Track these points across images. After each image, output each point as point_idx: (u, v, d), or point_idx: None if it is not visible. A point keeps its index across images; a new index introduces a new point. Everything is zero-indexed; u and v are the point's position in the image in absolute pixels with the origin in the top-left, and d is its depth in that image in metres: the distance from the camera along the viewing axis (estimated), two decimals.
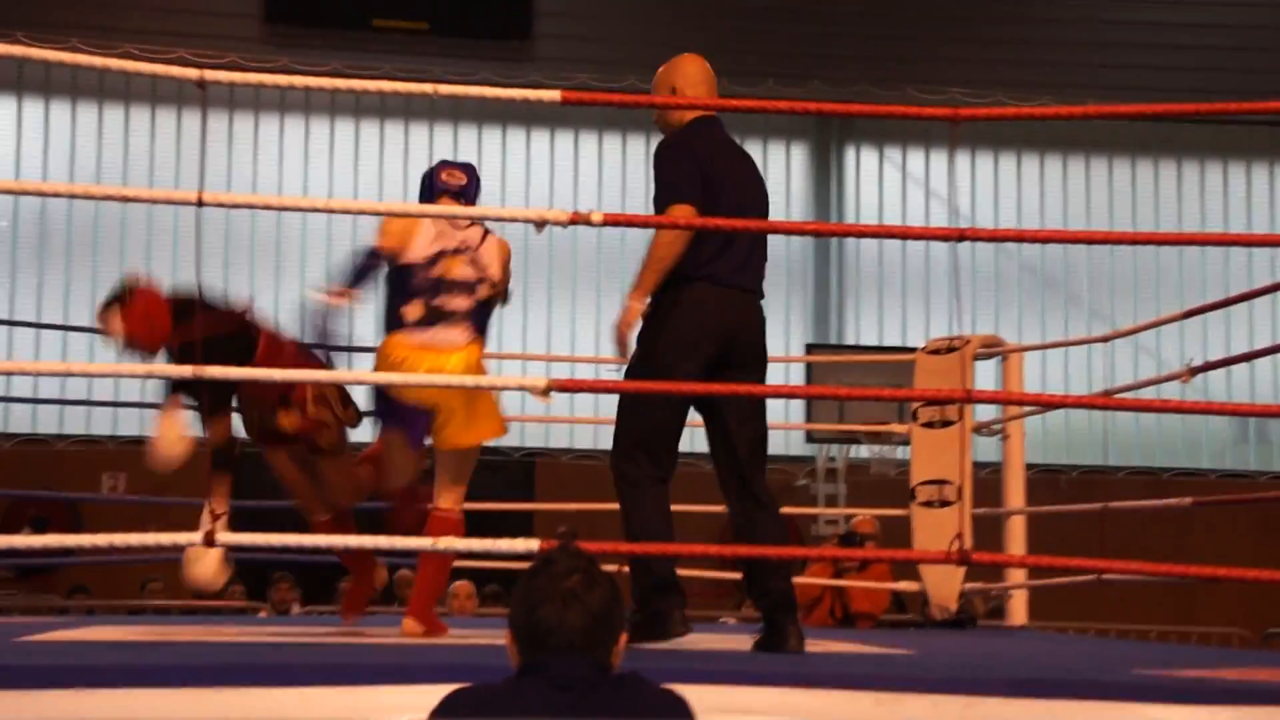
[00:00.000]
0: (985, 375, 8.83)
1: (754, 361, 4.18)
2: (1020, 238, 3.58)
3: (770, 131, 13.37)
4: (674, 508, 7.81)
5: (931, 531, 6.29)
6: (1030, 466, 7.20)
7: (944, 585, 6.48)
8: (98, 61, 3.49)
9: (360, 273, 4.61)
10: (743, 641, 4.21)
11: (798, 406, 11.97)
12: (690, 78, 4.50)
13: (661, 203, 4.10)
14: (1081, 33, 13.44)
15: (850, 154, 13.55)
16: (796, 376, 12.44)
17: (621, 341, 4.03)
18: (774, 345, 14.67)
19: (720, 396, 4.04)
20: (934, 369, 6.56)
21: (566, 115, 12.93)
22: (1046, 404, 3.83)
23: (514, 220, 3.85)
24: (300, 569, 9.17)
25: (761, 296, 4.23)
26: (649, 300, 4.08)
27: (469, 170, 4.80)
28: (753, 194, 4.26)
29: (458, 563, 7.60)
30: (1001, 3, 13.51)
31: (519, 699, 2.24)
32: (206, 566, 4.34)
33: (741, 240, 4.09)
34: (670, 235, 4.01)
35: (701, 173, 4.10)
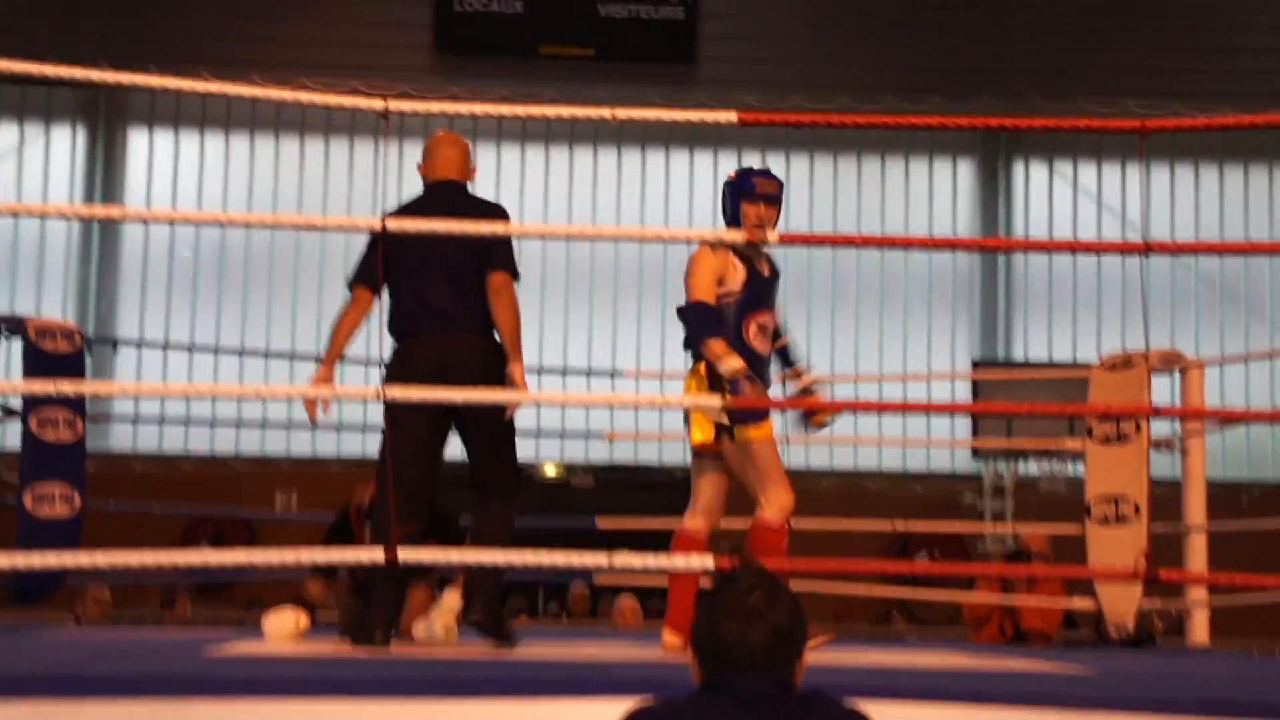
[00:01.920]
0: (1161, 390, 8.62)
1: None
2: (1209, 250, 3.47)
3: (936, 148, 13.22)
4: (842, 524, 7.72)
5: (1108, 548, 6.14)
6: (1210, 483, 6.99)
7: (1120, 603, 6.31)
8: (288, 95, 3.59)
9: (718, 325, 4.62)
10: (920, 659, 4.14)
11: (963, 423, 11.80)
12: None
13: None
14: (1259, 39, 13.06)
15: (1019, 169, 13.33)
16: (962, 393, 12.27)
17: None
18: (940, 361, 14.54)
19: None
20: (1110, 384, 6.42)
21: (730, 137, 12.95)
22: (1231, 418, 3.71)
23: (690, 240, 3.85)
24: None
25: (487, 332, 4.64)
26: None
27: (777, 179, 4.80)
28: (454, 241, 4.60)
29: (626, 580, 7.68)
30: (1173, 11, 13.18)
31: (703, 716, 2.22)
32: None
33: (436, 287, 4.63)
34: (345, 314, 4.74)
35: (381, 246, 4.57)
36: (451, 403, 4.32)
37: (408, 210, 4.64)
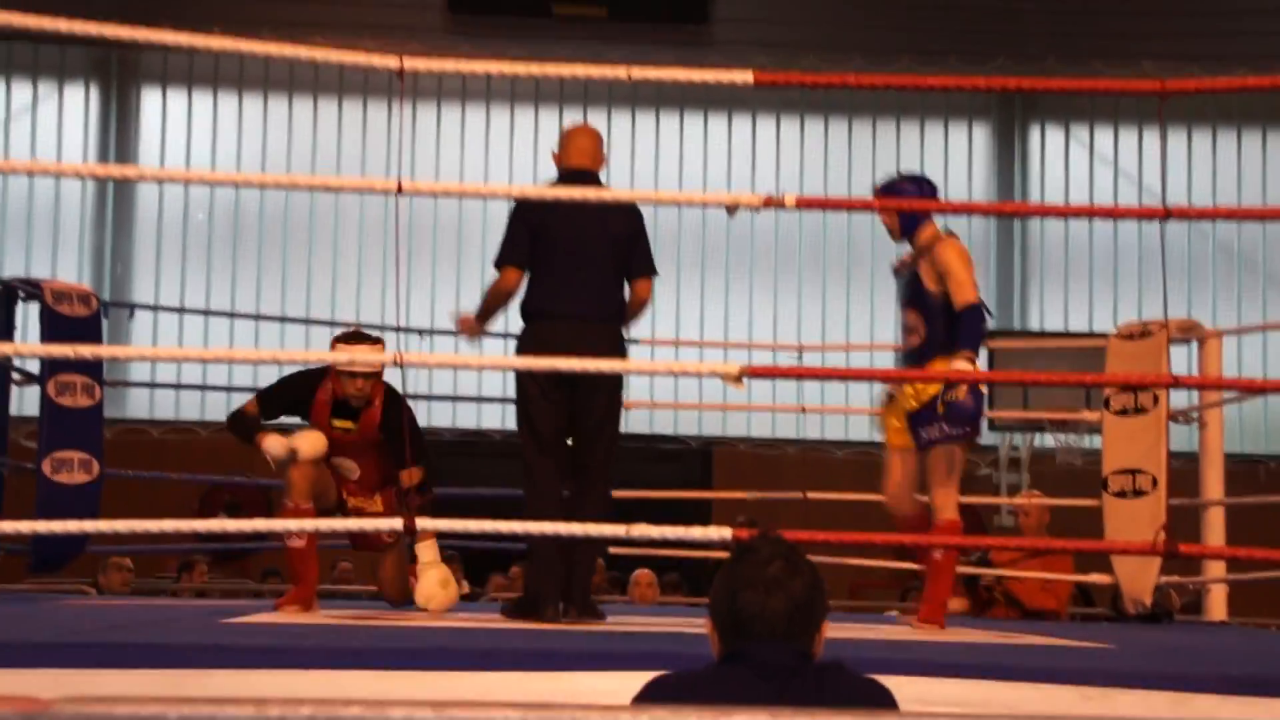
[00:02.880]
0: (1178, 361, 8.58)
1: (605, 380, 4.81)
2: (1232, 215, 3.44)
3: (951, 112, 13.15)
4: (858, 496, 7.77)
5: (1125, 522, 6.12)
6: (1227, 456, 6.96)
7: (1138, 578, 6.30)
8: (303, 53, 3.56)
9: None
10: (938, 633, 4.13)
11: None
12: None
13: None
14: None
15: (1034, 133, 13.25)
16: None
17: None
18: None
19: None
20: (1127, 354, 6.38)
21: (745, 98, 12.88)
22: (1253, 389, 3.68)
23: (707, 204, 3.82)
24: (475, 555, 9.31)
25: (621, 323, 4.95)
26: None
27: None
28: (599, 232, 4.89)
29: (641, 551, 7.67)
30: None
31: (721, 687, 2.22)
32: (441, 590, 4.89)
33: (582, 277, 4.82)
34: (496, 292, 4.90)
35: (529, 229, 4.79)
36: (572, 385, 4.64)
37: (530, 200, 4.78)
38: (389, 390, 5.05)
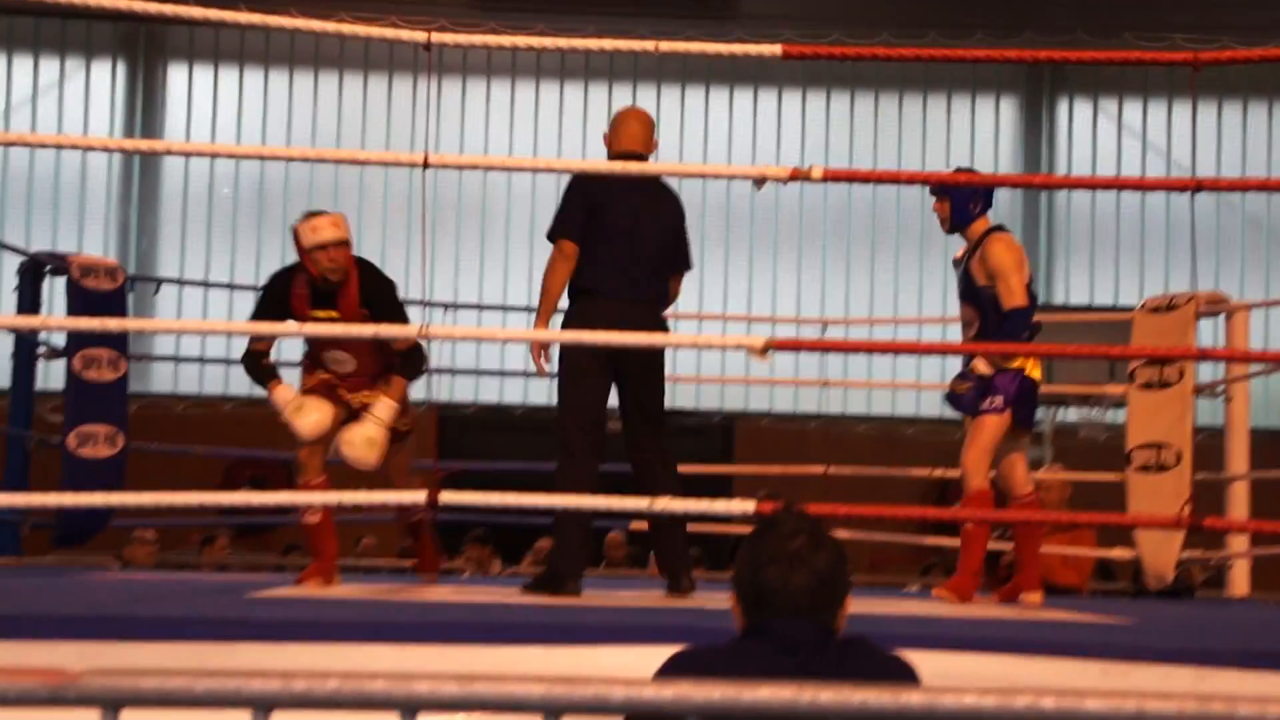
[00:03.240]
0: (1204, 334, 8.54)
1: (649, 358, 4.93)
2: (1263, 187, 3.42)
3: (979, 86, 13.08)
4: (879, 471, 7.79)
5: (1149, 497, 6.09)
6: (1253, 430, 6.93)
7: (1160, 553, 6.28)
8: (331, 28, 3.56)
9: None
10: (960, 609, 4.13)
11: None
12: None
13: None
14: None
15: (1063, 106, 13.17)
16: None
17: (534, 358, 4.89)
18: None
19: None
20: (1153, 328, 6.35)
21: (772, 72, 12.83)
22: None
23: (734, 177, 3.82)
24: (500, 529, 9.33)
25: (662, 305, 4.97)
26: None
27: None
28: (652, 217, 4.96)
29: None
30: None
31: (744, 661, 2.22)
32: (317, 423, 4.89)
33: (635, 259, 4.85)
34: (556, 269, 4.87)
35: (586, 205, 4.81)
36: (621, 365, 4.72)
37: (599, 177, 4.80)
38: (362, 262, 5.09)
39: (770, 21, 12.50)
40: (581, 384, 4.76)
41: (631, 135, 4.95)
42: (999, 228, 5.04)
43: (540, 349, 4.79)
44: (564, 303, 4.98)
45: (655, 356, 4.88)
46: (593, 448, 4.81)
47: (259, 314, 5.16)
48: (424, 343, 5.10)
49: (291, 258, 5.28)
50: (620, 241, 4.78)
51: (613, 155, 4.93)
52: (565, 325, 4.80)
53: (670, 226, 4.93)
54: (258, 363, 5.20)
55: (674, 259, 4.95)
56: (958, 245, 5.17)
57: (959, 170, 5.20)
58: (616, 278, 4.77)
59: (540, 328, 4.82)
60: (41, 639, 2.73)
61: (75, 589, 4.33)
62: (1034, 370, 5.03)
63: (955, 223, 5.00)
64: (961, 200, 4.94)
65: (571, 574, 4.61)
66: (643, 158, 4.94)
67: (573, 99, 13.09)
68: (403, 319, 5.05)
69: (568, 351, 4.79)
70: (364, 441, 4.89)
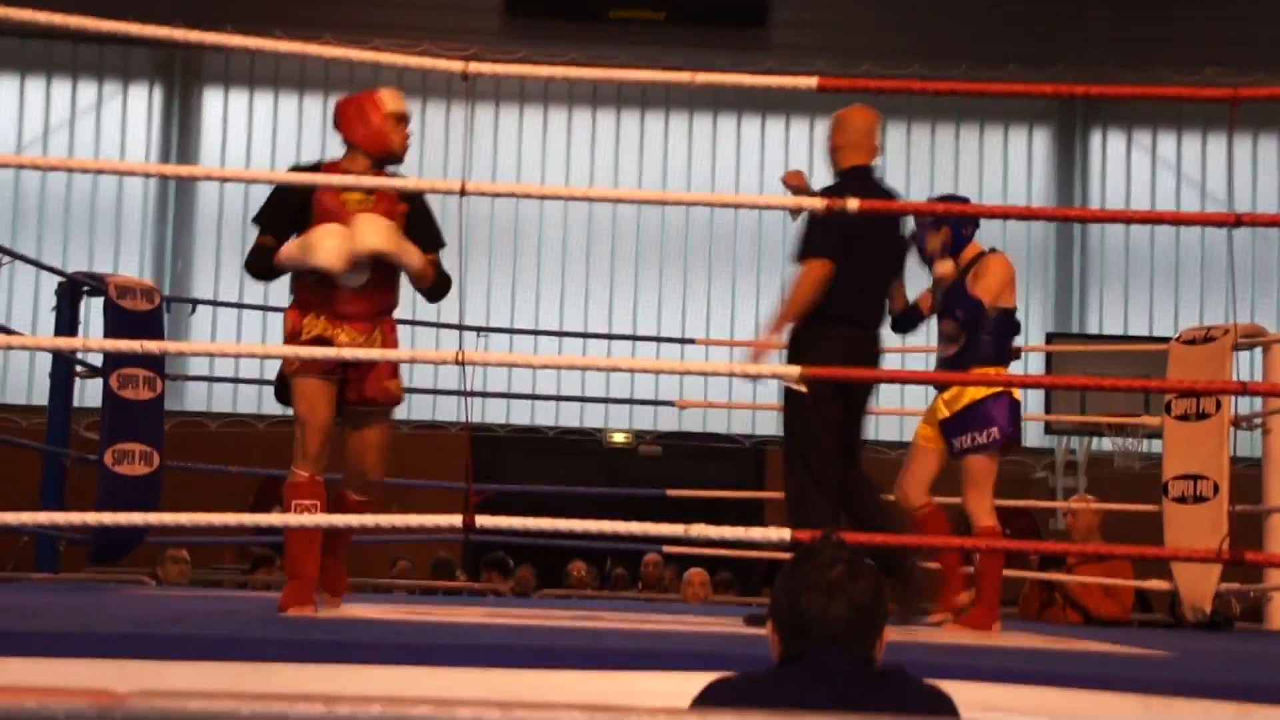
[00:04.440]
0: (1240, 367, 8.50)
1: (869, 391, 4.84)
2: None
3: (1012, 116, 13.06)
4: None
5: (1185, 528, 6.05)
6: None
7: (1198, 585, 6.23)
8: (368, 55, 3.59)
9: None
10: (996, 638, 4.10)
11: (1036, 397, 11.69)
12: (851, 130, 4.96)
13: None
14: None
15: (1096, 138, 13.14)
16: (1036, 366, 12.15)
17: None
18: None
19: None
20: (1190, 359, 6.32)
21: (804, 102, 12.85)
22: None
23: (769, 208, 3.82)
24: (533, 551, 9.34)
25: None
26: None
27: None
28: (894, 236, 4.80)
29: (693, 550, 7.67)
30: None
31: (782, 690, 2.21)
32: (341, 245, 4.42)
33: (874, 286, 4.73)
34: (809, 288, 4.61)
35: (844, 225, 4.50)
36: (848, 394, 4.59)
37: (840, 189, 4.57)
38: None
39: (803, 52, 12.53)
40: (824, 411, 4.61)
41: (867, 148, 4.91)
42: (994, 250, 5.20)
43: (759, 357, 4.64)
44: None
45: (871, 387, 4.83)
46: (835, 485, 4.66)
47: (268, 213, 4.70)
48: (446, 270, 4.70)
49: None
50: (869, 266, 4.66)
51: (844, 170, 4.82)
52: (804, 352, 4.59)
53: (903, 241, 4.86)
54: (258, 252, 4.74)
55: (899, 271, 4.89)
56: None
57: (950, 198, 5.28)
58: (862, 306, 4.68)
59: (772, 337, 4.70)
60: (81, 656, 2.74)
61: (112, 606, 4.34)
62: (1016, 392, 5.13)
63: (956, 247, 5.05)
64: (957, 226, 5.02)
65: (915, 599, 4.57)
66: (872, 169, 4.86)
67: (605, 126, 13.13)
68: (439, 232, 4.76)
69: (816, 384, 4.49)
70: (376, 225, 4.44)
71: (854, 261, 4.59)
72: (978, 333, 5.08)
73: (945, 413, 5.03)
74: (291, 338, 4.73)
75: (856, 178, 4.77)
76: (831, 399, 4.59)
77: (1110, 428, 10.65)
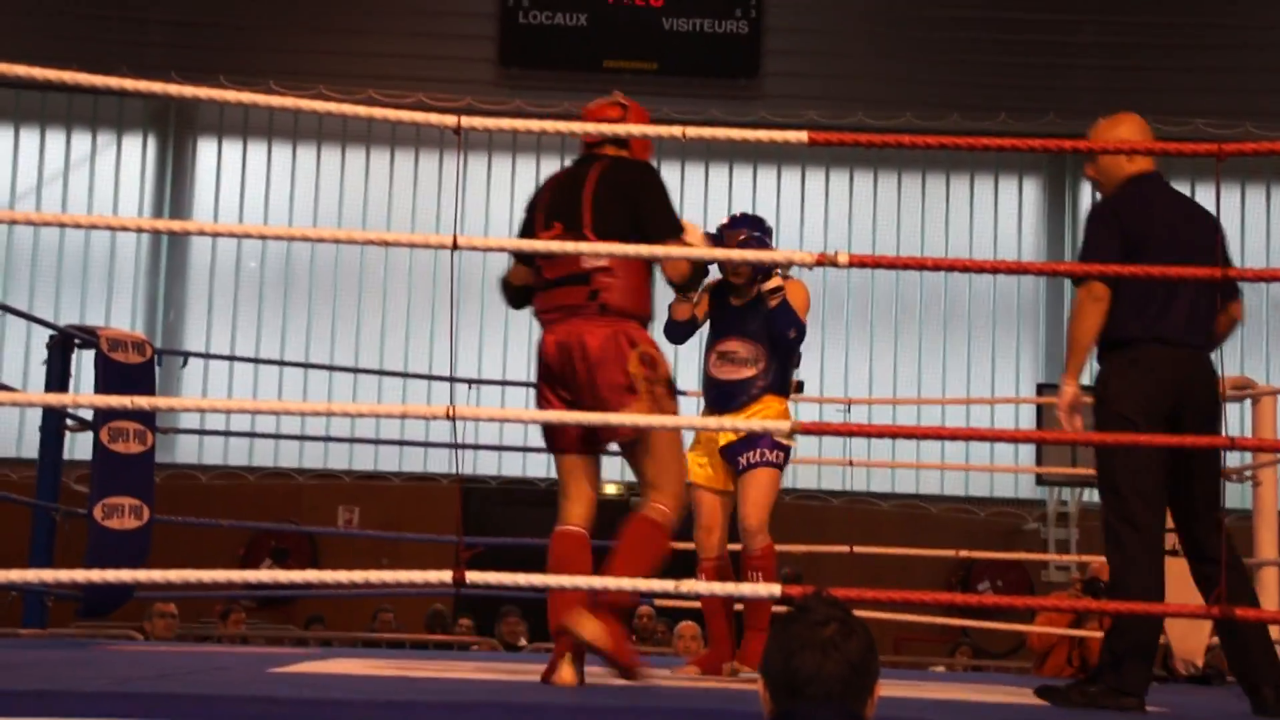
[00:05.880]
0: (1230, 418, 8.50)
1: (1207, 418, 4.10)
2: None
3: (1002, 166, 13.14)
4: (902, 551, 7.65)
5: (1175, 581, 6.02)
6: None
7: (1190, 638, 6.22)
8: (361, 110, 3.60)
9: None
10: (986, 693, 4.07)
11: (1028, 449, 11.70)
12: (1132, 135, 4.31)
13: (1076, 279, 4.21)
14: None
15: (1086, 188, 13.20)
16: (1027, 418, 12.16)
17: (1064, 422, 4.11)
18: (1004, 385, 14.30)
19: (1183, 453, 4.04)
20: None
21: (795, 154, 12.92)
22: None
23: (760, 261, 3.84)
24: (526, 604, 9.30)
25: (1210, 350, 4.20)
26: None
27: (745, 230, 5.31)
28: (1193, 247, 4.05)
29: (685, 603, 7.64)
30: (1244, 30, 13.02)
31: None
32: None
33: (1182, 298, 4.09)
34: (1087, 314, 4.08)
35: (1122, 237, 4.06)
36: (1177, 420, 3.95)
37: (1136, 198, 4.14)
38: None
39: (794, 101, 12.61)
40: (1143, 449, 3.93)
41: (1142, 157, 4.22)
42: (795, 277, 5.32)
43: (1070, 410, 4.05)
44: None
45: (1215, 407, 4.09)
46: (1158, 520, 4.02)
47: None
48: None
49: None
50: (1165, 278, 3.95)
51: (1121, 178, 4.22)
52: (1106, 381, 4.08)
53: (1207, 247, 4.04)
54: (510, 286, 4.48)
55: (1223, 288, 4.13)
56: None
57: (750, 219, 5.39)
58: (1163, 321, 4.05)
59: (1070, 383, 4.06)
60: (68, 716, 2.72)
61: (99, 662, 4.32)
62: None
63: (766, 272, 5.14)
64: (763, 236, 5.21)
65: (1138, 689, 3.89)
66: (1159, 176, 4.28)
67: None
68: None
69: (1114, 407, 4.01)
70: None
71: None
72: (788, 359, 5.20)
73: (731, 438, 5.09)
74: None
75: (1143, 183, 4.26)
76: (1145, 426, 3.98)
77: None
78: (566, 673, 3.87)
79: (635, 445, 4.15)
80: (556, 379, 4.15)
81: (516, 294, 4.44)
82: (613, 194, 4.21)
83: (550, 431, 4.22)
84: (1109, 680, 3.89)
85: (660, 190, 4.28)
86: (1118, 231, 4.06)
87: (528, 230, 4.34)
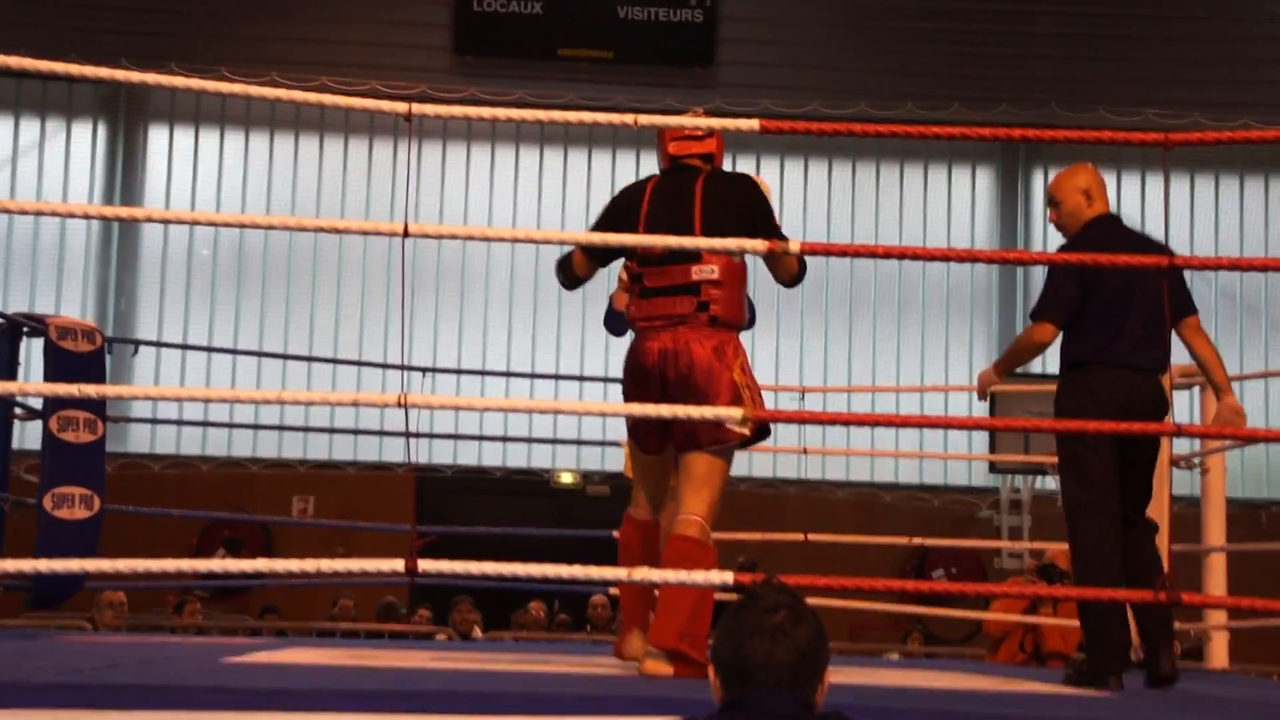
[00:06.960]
0: (1179, 406, 8.59)
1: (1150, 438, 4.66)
2: (1234, 266, 3.46)
3: (955, 155, 13.20)
4: (857, 539, 7.64)
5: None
6: (1229, 501, 6.96)
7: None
8: (311, 97, 3.58)
9: None
10: (938, 679, 4.10)
11: (981, 437, 11.77)
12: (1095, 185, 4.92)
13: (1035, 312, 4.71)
14: None
15: (1038, 177, 13.30)
16: (980, 406, 12.22)
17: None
18: (958, 374, 14.33)
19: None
20: None
21: (750, 142, 12.92)
22: (1255, 438, 3.69)
23: (713, 250, 3.85)
24: (480, 593, 9.29)
25: (1160, 374, 4.64)
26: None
27: None
28: (1145, 280, 4.58)
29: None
30: (1195, 22, 13.13)
31: None
32: None
33: (1133, 323, 4.58)
34: (1026, 350, 4.71)
35: (1081, 276, 4.55)
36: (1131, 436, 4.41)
37: (1081, 245, 4.59)
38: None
39: (749, 90, 12.63)
40: (1093, 458, 4.50)
41: (1104, 198, 4.83)
42: None
43: (983, 385, 4.85)
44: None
45: (1157, 423, 4.56)
46: (1114, 525, 4.51)
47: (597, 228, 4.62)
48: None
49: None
50: (1119, 307, 4.55)
51: (1083, 221, 4.74)
52: (1059, 401, 4.61)
53: (1172, 278, 4.59)
54: (568, 267, 4.70)
55: (1179, 309, 4.65)
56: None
57: None
58: (1117, 345, 4.55)
59: (994, 371, 4.82)
60: (16, 707, 2.70)
61: (48, 653, 4.28)
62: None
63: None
64: None
65: (1115, 669, 4.40)
66: (1116, 218, 4.82)
67: (552, 164, 13.16)
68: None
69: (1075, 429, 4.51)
70: None
71: (1093, 305, 4.65)
72: None
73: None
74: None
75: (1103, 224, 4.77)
76: (1099, 442, 4.53)
77: (1054, 467, 10.71)
78: (636, 644, 4.20)
79: (716, 450, 4.29)
80: (642, 383, 4.28)
81: (574, 280, 4.68)
82: (724, 206, 4.38)
83: (640, 431, 4.40)
84: (1092, 665, 4.42)
85: (767, 202, 4.49)
86: (1077, 272, 4.54)
87: (614, 230, 4.40)
